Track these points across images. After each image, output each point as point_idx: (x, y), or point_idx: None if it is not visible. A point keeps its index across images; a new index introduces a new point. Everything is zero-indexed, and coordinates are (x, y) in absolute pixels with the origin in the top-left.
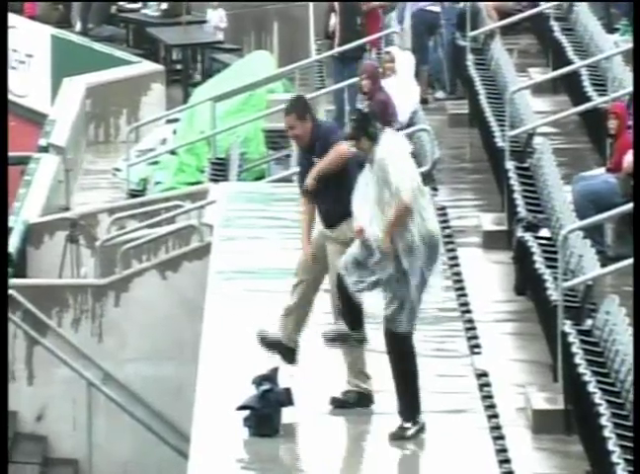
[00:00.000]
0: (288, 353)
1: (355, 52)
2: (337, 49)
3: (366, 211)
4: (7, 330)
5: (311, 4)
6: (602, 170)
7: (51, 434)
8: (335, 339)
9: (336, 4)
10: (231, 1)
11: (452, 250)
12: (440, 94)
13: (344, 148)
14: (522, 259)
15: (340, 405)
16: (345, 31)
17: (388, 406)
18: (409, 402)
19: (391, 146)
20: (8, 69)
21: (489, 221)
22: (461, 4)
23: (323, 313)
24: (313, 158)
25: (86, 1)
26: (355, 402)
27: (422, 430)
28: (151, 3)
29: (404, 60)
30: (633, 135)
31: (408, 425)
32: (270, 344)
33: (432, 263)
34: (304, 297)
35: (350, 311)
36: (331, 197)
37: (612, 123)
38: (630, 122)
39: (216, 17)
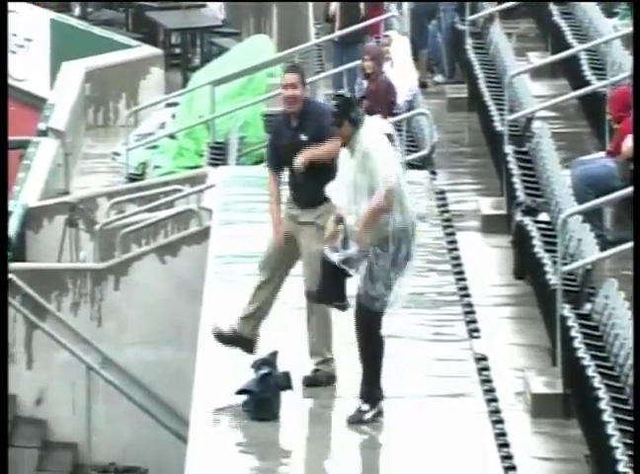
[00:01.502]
0: (246, 343)
1: (354, 37)
2: (337, 34)
3: (345, 197)
4: (7, 314)
5: None
6: (601, 154)
7: (51, 417)
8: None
9: None
10: None
11: (451, 234)
12: (438, 78)
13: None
14: (521, 243)
15: (311, 384)
16: (345, 15)
17: (389, 391)
18: (370, 384)
19: (375, 134)
20: (7, 53)
21: (488, 205)
22: None
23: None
24: (300, 135)
25: None
26: (325, 382)
27: (380, 414)
28: None
29: (400, 44)
30: (633, 121)
31: (366, 407)
32: (227, 339)
33: (408, 249)
34: (267, 302)
35: (334, 282)
36: (315, 180)
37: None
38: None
39: (215, 7)
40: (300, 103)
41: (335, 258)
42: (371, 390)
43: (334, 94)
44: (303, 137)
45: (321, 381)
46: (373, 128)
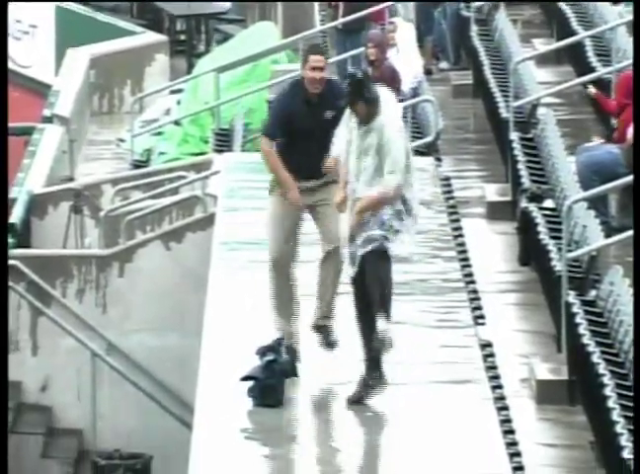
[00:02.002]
0: (292, 352)
1: (358, 24)
2: (340, 21)
3: (350, 164)
4: (7, 301)
5: None
6: (601, 141)
7: (56, 404)
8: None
9: None
10: None
11: (456, 220)
12: (444, 64)
13: None
14: (527, 229)
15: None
16: (349, 2)
17: (394, 378)
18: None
19: (392, 114)
20: (11, 40)
21: (493, 192)
22: None
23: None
24: (323, 114)
25: None
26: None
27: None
28: None
29: (405, 31)
30: (633, 110)
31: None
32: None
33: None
34: (294, 288)
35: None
36: (324, 153)
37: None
38: None
39: None
40: (324, 84)
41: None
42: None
43: (347, 74)
44: (327, 115)
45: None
46: (389, 103)
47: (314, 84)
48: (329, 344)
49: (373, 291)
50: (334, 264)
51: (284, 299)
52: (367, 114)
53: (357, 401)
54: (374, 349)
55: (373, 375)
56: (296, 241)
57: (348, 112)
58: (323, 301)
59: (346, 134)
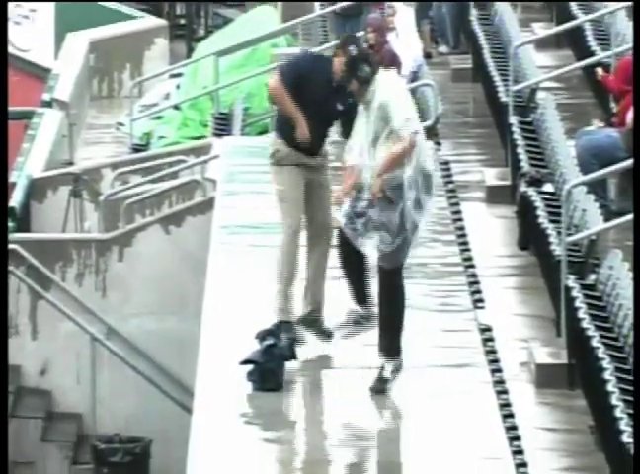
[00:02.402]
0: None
1: (356, 9)
2: (338, 5)
3: (361, 154)
4: (7, 285)
5: None
6: (600, 125)
7: (55, 388)
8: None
9: None
10: None
11: (456, 204)
12: (443, 48)
13: None
14: (526, 213)
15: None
16: None
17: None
18: (390, 338)
19: (391, 87)
20: (11, 24)
21: (492, 176)
22: None
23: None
24: (337, 103)
25: None
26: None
27: (399, 369)
28: None
29: (404, 15)
30: (633, 95)
31: (385, 364)
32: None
33: (427, 194)
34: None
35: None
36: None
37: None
38: None
39: None
40: None
41: (341, 220)
42: (391, 344)
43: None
44: (339, 103)
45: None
46: (388, 82)
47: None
48: (326, 334)
49: (382, 310)
50: (324, 250)
51: (292, 278)
52: (360, 92)
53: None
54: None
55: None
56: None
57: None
58: (315, 288)
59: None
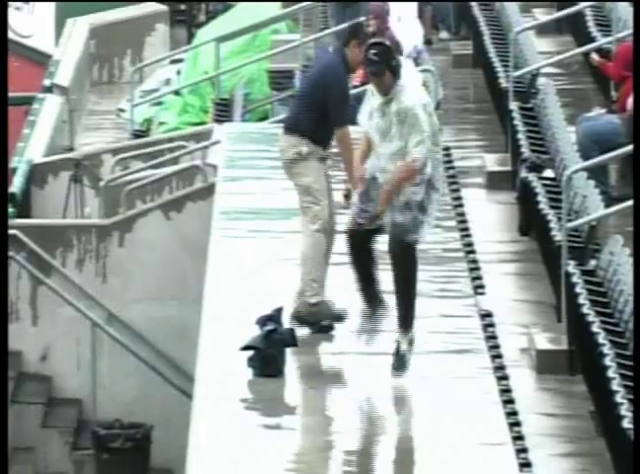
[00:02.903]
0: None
1: None
2: None
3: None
4: (7, 271)
5: None
6: (601, 111)
7: (56, 374)
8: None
9: None
10: None
11: (456, 190)
12: (444, 34)
13: None
14: (526, 199)
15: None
16: None
17: (393, 349)
18: (405, 309)
19: (415, 88)
20: (12, 10)
21: (493, 162)
22: None
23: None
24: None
25: None
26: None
27: (412, 342)
28: None
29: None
30: (633, 82)
31: (401, 338)
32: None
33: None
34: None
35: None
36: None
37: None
38: None
39: None
40: None
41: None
42: (406, 314)
43: (371, 42)
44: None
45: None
46: (412, 77)
47: (358, 66)
48: (326, 329)
49: (397, 292)
50: (330, 241)
51: (324, 274)
52: (390, 84)
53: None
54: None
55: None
56: None
57: (370, 88)
58: (313, 280)
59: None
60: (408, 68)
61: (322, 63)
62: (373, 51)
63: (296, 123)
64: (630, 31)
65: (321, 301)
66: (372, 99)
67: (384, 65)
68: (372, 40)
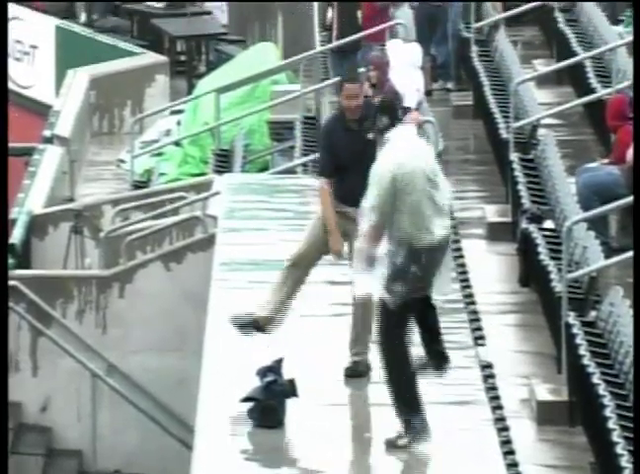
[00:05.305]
0: (260, 328)
1: (352, 46)
2: (335, 43)
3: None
4: (7, 321)
5: None
6: (604, 161)
7: (56, 425)
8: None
9: None
10: None
11: (457, 241)
12: (450, 85)
13: None
14: (527, 250)
15: (353, 374)
16: (343, 25)
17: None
18: (399, 404)
19: (389, 154)
20: (12, 60)
21: (493, 213)
22: None
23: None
24: (365, 136)
25: None
26: (365, 371)
27: (416, 437)
28: None
29: (403, 52)
30: (633, 130)
31: (401, 432)
32: (243, 325)
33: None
34: (290, 297)
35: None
36: (362, 175)
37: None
38: (631, 114)
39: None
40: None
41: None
42: (402, 411)
43: (380, 100)
44: (369, 136)
45: (361, 371)
46: (399, 139)
47: (351, 112)
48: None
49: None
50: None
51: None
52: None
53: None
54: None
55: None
56: (320, 256)
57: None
58: (360, 341)
59: None
60: (407, 133)
61: None
62: (382, 108)
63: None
64: (629, 81)
65: (260, 317)
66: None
67: (393, 122)
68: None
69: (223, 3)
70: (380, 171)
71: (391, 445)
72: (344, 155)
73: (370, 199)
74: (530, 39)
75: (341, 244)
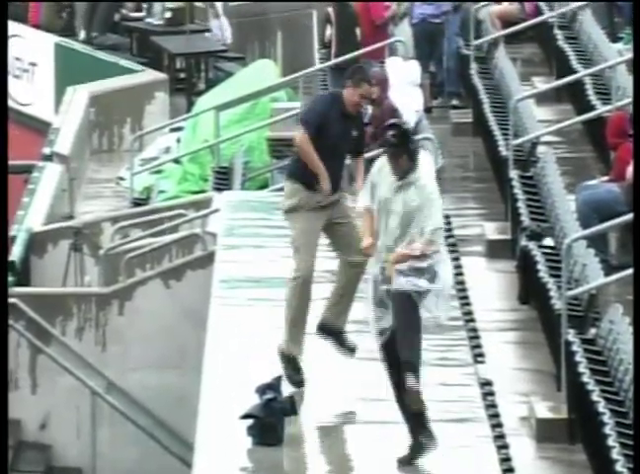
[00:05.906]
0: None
1: (351, 63)
2: (334, 61)
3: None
4: (7, 339)
5: (315, 12)
6: (604, 178)
7: (55, 442)
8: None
9: (332, 15)
10: (233, 1)
11: (456, 259)
12: (455, 101)
13: None
14: (526, 268)
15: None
16: (341, 42)
17: (392, 415)
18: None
19: (429, 172)
20: (12, 78)
21: (492, 230)
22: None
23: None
24: (352, 130)
25: (90, 9)
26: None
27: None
28: (155, 11)
29: (401, 70)
30: (633, 145)
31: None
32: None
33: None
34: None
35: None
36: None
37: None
38: (631, 131)
39: (215, 25)
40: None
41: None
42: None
43: (390, 123)
44: (354, 133)
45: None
46: (426, 161)
47: (353, 107)
48: (348, 348)
49: (400, 340)
50: (359, 273)
51: (302, 322)
52: (408, 167)
53: (408, 462)
54: (410, 409)
55: (421, 435)
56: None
57: (378, 165)
58: (340, 306)
59: (372, 190)
60: (425, 157)
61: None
62: (392, 133)
63: (294, 167)
64: (629, 99)
65: (290, 357)
66: (381, 175)
67: (403, 147)
68: (391, 121)
69: (224, 22)
70: (435, 195)
71: (405, 462)
72: (332, 135)
73: (438, 221)
74: (530, 57)
75: (329, 184)
